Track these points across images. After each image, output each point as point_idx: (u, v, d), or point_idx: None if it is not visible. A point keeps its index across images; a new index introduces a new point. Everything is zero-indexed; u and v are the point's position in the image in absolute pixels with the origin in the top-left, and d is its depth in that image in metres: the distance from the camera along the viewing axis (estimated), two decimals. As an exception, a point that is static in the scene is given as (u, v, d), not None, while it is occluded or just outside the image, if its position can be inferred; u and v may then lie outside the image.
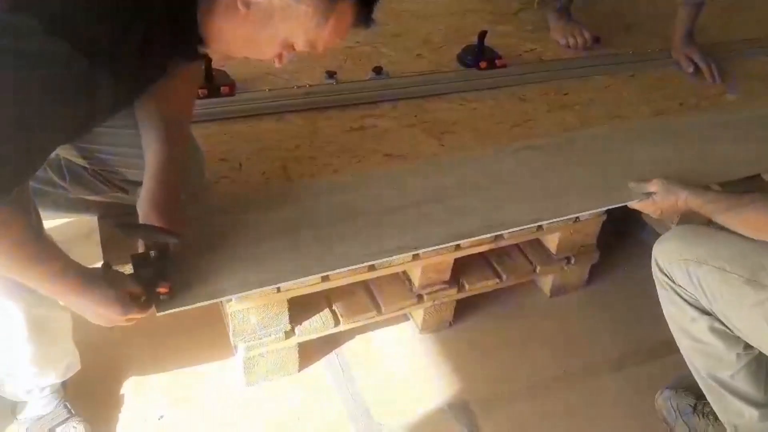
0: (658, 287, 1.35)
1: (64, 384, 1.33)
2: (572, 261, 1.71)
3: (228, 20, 0.91)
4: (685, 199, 1.31)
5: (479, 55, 1.82)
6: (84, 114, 0.85)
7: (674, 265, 1.28)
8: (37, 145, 0.83)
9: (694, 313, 1.27)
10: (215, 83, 1.58)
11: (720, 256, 1.22)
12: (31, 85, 0.76)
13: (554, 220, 1.43)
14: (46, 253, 0.92)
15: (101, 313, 0.99)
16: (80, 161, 1.17)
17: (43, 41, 0.75)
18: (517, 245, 1.68)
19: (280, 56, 0.97)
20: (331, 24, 0.91)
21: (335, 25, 0.92)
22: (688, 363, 1.34)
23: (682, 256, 1.26)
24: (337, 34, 0.94)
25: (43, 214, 1.12)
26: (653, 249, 1.34)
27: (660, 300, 1.35)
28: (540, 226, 1.52)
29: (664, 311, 1.35)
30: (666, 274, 1.31)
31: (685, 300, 1.28)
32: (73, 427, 1.30)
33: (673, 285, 1.29)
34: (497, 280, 1.64)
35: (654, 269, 1.34)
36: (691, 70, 1.95)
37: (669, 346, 1.38)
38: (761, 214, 1.21)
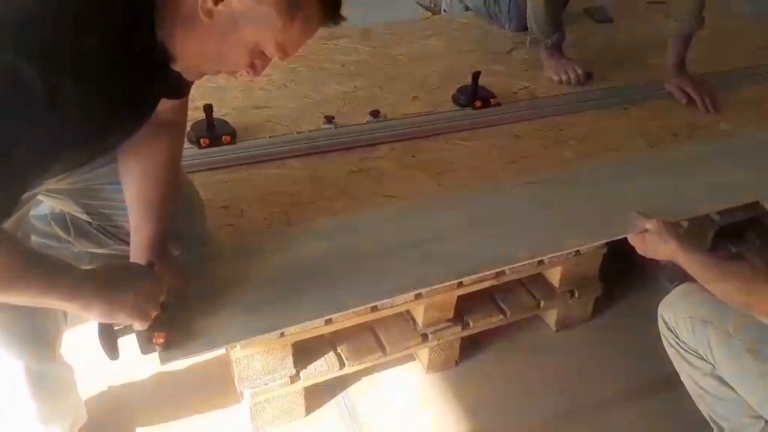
0: (665, 345, 1.34)
1: (72, 437, 1.33)
2: (576, 294, 1.71)
3: (192, 32, 0.87)
4: (673, 250, 1.27)
5: (474, 95, 1.85)
6: (57, 129, 0.79)
7: (680, 322, 1.27)
8: (13, 172, 0.78)
9: (705, 368, 1.26)
10: (216, 133, 1.62)
11: (726, 318, 1.20)
12: None
13: (554, 254, 1.44)
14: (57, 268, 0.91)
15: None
16: (84, 216, 1.19)
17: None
18: (519, 280, 1.69)
19: (252, 66, 0.92)
20: (297, 24, 0.88)
21: (302, 24, 0.89)
22: (711, 422, 1.32)
23: (688, 313, 1.26)
24: (306, 35, 0.91)
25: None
26: (659, 307, 1.33)
27: (672, 360, 1.34)
28: (541, 261, 1.53)
29: (678, 370, 1.34)
30: (672, 331, 1.30)
31: (693, 355, 1.27)
32: (82, 479, 1.30)
33: (679, 341, 1.28)
34: (502, 316, 1.64)
35: (661, 326, 1.33)
36: (684, 101, 1.98)
37: (679, 378, 1.37)
38: (746, 290, 1.15)
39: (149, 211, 1.09)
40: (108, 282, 0.95)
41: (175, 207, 1.14)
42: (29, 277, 0.85)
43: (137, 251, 1.09)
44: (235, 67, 0.93)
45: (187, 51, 0.90)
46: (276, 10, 0.86)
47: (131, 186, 1.10)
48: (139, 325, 1.01)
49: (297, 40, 0.90)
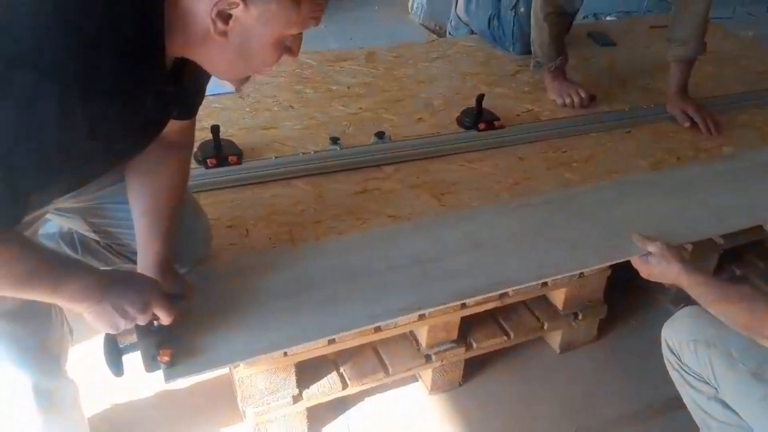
0: (669, 369, 1.34)
1: (74, 456, 1.33)
2: (580, 316, 1.71)
3: (212, 51, 0.90)
4: (676, 273, 1.27)
5: (478, 118, 1.87)
6: (66, 144, 0.82)
7: (683, 345, 1.27)
8: (23, 180, 0.81)
9: (709, 391, 1.25)
10: (223, 153, 1.64)
11: (729, 340, 1.20)
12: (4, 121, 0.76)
13: (557, 276, 1.44)
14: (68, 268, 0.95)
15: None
16: (91, 235, 1.21)
17: (10, 75, 0.75)
18: (523, 302, 1.69)
19: (288, 51, 0.94)
20: (306, 4, 0.89)
21: (311, 1, 0.90)
22: None
23: (692, 336, 1.25)
24: (319, 4, 0.91)
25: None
26: (662, 330, 1.33)
27: (675, 384, 1.34)
28: (545, 283, 1.53)
29: (681, 394, 1.33)
30: (675, 354, 1.30)
31: (696, 378, 1.27)
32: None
33: (682, 365, 1.28)
34: (505, 338, 1.64)
35: (664, 350, 1.33)
36: (687, 124, 1.99)
37: (682, 401, 1.36)
38: (748, 313, 1.15)
39: (156, 229, 1.10)
40: (115, 290, 0.97)
41: (181, 226, 1.15)
42: (39, 277, 0.89)
43: (144, 268, 1.10)
44: (269, 64, 0.95)
45: (215, 67, 0.94)
46: (281, 4, 0.86)
47: (139, 204, 1.11)
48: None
49: (314, 11, 0.91)
